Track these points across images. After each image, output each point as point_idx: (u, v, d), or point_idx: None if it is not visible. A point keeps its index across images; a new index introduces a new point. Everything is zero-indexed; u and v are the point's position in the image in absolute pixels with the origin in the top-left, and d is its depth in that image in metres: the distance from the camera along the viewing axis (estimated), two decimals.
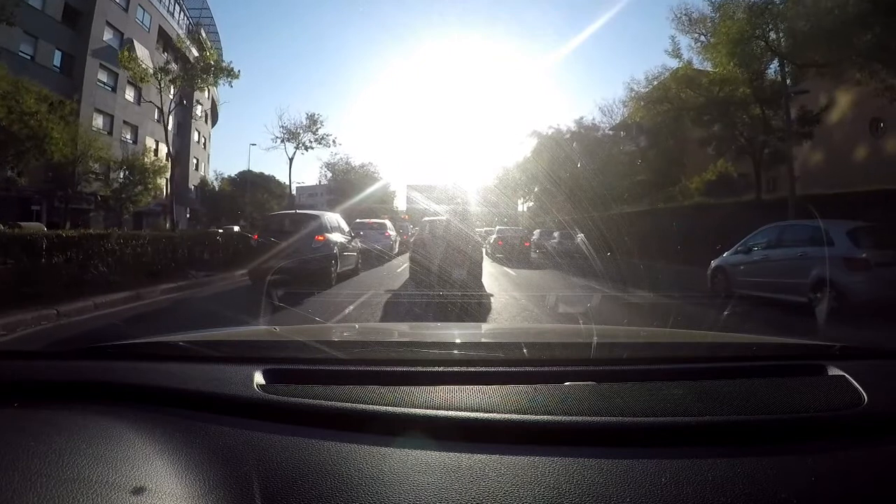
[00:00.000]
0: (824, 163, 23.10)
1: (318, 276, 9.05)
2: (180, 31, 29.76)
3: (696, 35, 15.00)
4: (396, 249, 19.25)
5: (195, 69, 20.30)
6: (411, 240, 12.33)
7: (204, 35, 39.24)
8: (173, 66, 20.43)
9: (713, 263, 9.77)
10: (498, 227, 22.88)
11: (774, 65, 15.01)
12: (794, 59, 11.81)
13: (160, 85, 19.65)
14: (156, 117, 36.35)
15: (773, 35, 11.92)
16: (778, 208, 14.29)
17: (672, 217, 19.56)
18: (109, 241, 7.84)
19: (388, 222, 20.94)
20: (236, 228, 26.28)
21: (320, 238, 9.58)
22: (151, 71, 19.79)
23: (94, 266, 7.44)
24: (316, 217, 10.46)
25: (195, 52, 20.17)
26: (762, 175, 24.93)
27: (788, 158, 13.36)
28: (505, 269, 14.80)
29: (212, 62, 19.84)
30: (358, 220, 20.49)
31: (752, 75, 14.68)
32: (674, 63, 17.20)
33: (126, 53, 20.09)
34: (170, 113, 22.12)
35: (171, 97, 21.42)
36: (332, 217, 11.36)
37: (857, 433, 0.93)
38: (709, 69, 16.28)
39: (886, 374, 1.17)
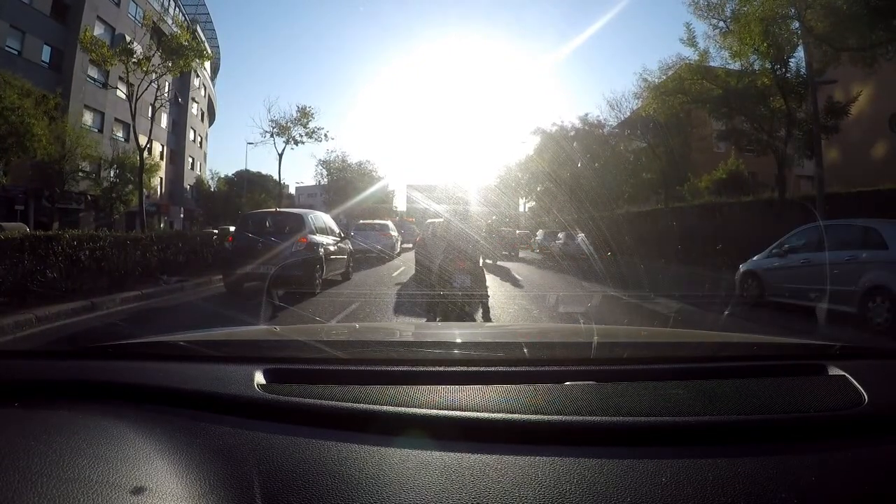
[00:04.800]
0: (840, 160, 22.20)
1: (301, 283, 8.16)
2: (157, 9, 28.39)
3: (713, 21, 14.09)
4: (398, 249, 19.42)
5: (165, 50, 19.00)
6: (417, 239, 12.37)
7: (200, 31, 38.67)
8: (138, 48, 19.13)
9: (742, 268, 8.83)
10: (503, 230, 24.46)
11: (797, 54, 14.11)
12: (831, 42, 10.88)
13: (126, 69, 18.46)
14: (149, 114, 35.83)
15: (808, 14, 11.00)
16: (797, 207, 13.38)
17: (683, 216, 18.76)
18: (60, 244, 6.89)
19: (389, 223, 21.23)
20: (232, 229, 25.57)
21: (303, 240, 8.63)
22: (114, 52, 18.67)
23: (40, 273, 6.50)
24: (299, 216, 9.49)
25: (183, 42, 18.75)
26: (769, 173, 24.04)
27: (817, 152, 12.42)
28: (500, 264, 15.60)
29: (183, 42, 18.69)
30: (361, 221, 21.82)
31: (773, 64, 13.79)
32: (688, 52, 16.32)
33: (88, 34, 18.86)
34: (160, 106, 21.10)
35: (156, 87, 20.33)
36: (319, 217, 10.46)
37: (857, 433, 0.92)
38: (726, 58, 15.35)
39: (887, 374, 1.17)
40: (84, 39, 18.39)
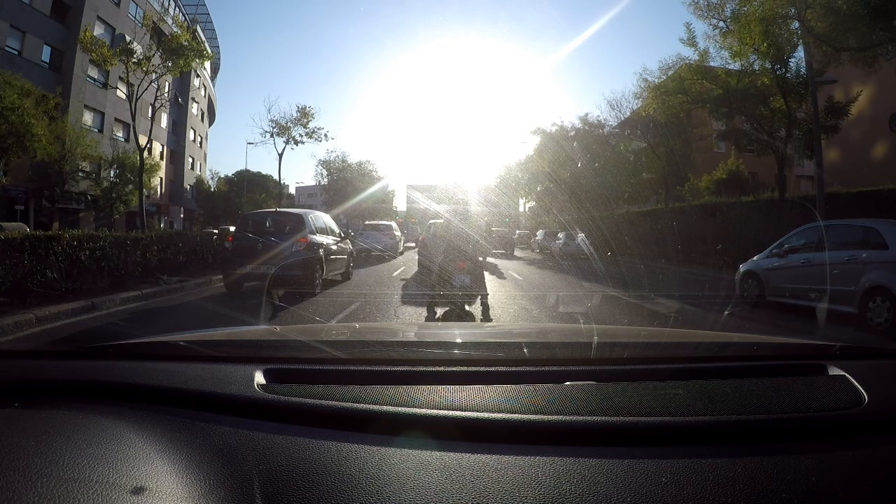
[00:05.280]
0: (840, 160, 22.19)
1: (301, 283, 8.22)
2: (157, 9, 28.22)
3: (713, 21, 14.09)
4: (401, 248, 21.06)
5: (166, 50, 18.87)
6: (420, 238, 13.46)
7: (200, 31, 38.56)
8: (138, 48, 19.04)
9: (742, 268, 8.82)
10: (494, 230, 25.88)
11: (797, 54, 14.10)
12: (831, 42, 10.87)
13: (127, 69, 18.39)
14: (149, 114, 35.71)
15: (808, 14, 10.98)
16: (797, 207, 13.35)
17: (683, 216, 18.74)
18: (60, 244, 6.88)
19: (394, 224, 23.36)
20: (232, 229, 25.85)
21: (303, 240, 8.64)
22: (114, 52, 18.55)
23: (40, 273, 6.49)
24: (299, 217, 9.49)
25: (183, 42, 18.65)
26: (770, 173, 23.93)
27: (818, 152, 12.40)
28: (491, 260, 16.33)
29: (183, 42, 18.61)
30: (367, 223, 24.40)
31: (773, 64, 13.77)
32: (688, 52, 16.34)
33: (88, 34, 18.69)
34: (160, 106, 21.01)
35: (156, 87, 20.26)
36: (319, 217, 10.50)
37: (857, 433, 0.91)
38: (726, 58, 15.34)
39: (887, 374, 1.16)
40: (84, 39, 18.26)
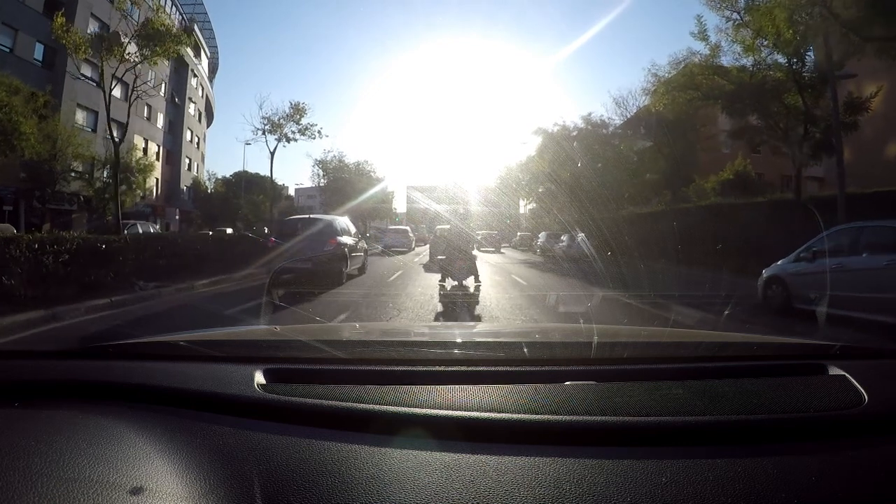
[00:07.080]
0: (851, 160, 21.51)
1: (331, 276, 9.83)
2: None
3: (727, 13, 13.47)
4: (413, 245, 28.82)
5: (142, 37, 17.85)
6: (430, 238, 18.61)
7: (198, 31, 38.08)
8: (118, 34, 18.10)
9: (766, 273, 8.20)
10: (482, 232, 29.39)
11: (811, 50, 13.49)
12: (856, 30, 10.29)
13: (101, 57, 17.56)
14: (146, 115, 35.23)
15: (833, 1, 10.39)
16: (808, 208, 12.73)
17: (690, 218, 18.17)
18: (19, 248, 6.27)
19: (408, 228, 31.68)
20: (230, 231, 25.78)
21: (332, 241, 10.35)
22: (86, 39, 17.66)
23: None
24: (328, 221, 11.44)
25: (159, 27, 17.57)
26: (776, 173, 23.29)
27: (838, 149, 11.80)
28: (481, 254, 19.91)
29: (160, 27, 17.71)
30: (390, 227, 34.28)
31: (790, 59, 13.16)
32: (699, 46, 15.74)
33: (60, 22, 17.42)
34: (136, 98, 19.86)
35: (134, 76, 19.22)
36: (342, 220, 12.30)
37: (857, 433, 0.91)
38: (737, 54, 14.74)
39: (887, 374, 1.16)
40: (55, 27, 17.08)
